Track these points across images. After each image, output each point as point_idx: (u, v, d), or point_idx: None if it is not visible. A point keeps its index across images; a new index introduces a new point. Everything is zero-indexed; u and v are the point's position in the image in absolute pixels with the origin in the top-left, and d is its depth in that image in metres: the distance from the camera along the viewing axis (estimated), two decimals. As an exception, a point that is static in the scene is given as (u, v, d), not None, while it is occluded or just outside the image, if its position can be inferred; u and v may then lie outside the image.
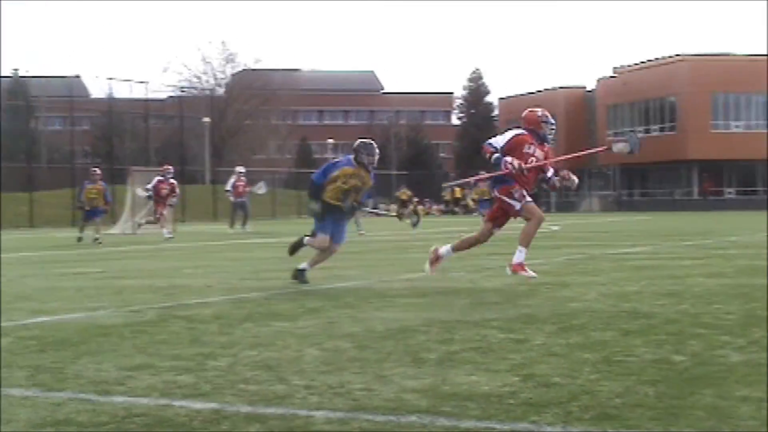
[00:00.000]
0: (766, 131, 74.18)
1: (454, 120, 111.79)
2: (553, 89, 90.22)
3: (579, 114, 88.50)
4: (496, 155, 11.33)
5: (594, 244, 21.87)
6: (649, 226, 35.17)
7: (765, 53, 76.62)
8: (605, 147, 12.27)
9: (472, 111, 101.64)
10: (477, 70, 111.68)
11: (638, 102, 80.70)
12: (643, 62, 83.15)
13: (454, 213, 67.29)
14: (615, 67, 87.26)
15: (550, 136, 11.76)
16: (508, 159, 11.27)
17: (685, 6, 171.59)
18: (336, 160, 12.87)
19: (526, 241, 11.36)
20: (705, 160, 75.45)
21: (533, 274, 11.35)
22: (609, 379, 5.67)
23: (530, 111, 11.92)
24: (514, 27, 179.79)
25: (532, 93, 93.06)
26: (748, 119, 76.44)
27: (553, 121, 11.88)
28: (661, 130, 78.05)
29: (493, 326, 7.97)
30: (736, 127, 76.17)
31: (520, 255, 11.31)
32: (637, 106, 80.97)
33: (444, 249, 11.88)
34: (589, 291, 10.66)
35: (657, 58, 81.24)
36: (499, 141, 11.53)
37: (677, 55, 78.40)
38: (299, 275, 12.18)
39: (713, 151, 74.15)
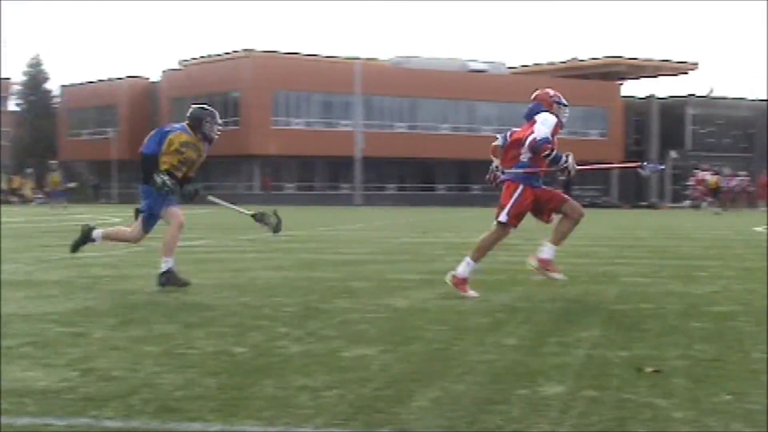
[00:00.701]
0: (324, 129, 77.17)
1: (12, 107, 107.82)
2: (117, 79, 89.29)
3: (143, 105, 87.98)
4: (556, 152, 9.64)
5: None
6: (213, 220, 35.55)
7: (325, 55, 79.83)
8: (637, 164, 10.60)
9: (32, 97, 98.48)
10: (36, 56, 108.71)
11: (202, 96, 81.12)
12: (208, 56, 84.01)
13: (10, 203, 64.90)
14: (181, 60, 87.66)
15: (563, 120, 10.06)
16: (571, 160, 9.69)
17: (252, 6, 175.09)
18: (167, 127, 10.67)
19: (560, 240, 10.12)
20: (266, 156, 77.21)
21: (561, 276, 10.29)
22: (171, 371, 5.66)
23: (543, 91, 10.12)
24: (74, 14, 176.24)
25: (96, 81, 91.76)
26: (308, 116, 79.03)
27: (566, 103, 10.17)
28: (225, 124, 78.57)
29: (50, 320, 7.78)
30: (297, 124, 78.53)
31: (550, 251, 10.12)
32: (201, 99, 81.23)
33: (462, 268, 9.78)
34: (150, 283, 10.58)
35: (222, 53, 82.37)
36: (546, 132, 9.67)
37: (242, 50, 79.82)
38: (169, 278, 10.17)
39: (274, 147, 75.97)
